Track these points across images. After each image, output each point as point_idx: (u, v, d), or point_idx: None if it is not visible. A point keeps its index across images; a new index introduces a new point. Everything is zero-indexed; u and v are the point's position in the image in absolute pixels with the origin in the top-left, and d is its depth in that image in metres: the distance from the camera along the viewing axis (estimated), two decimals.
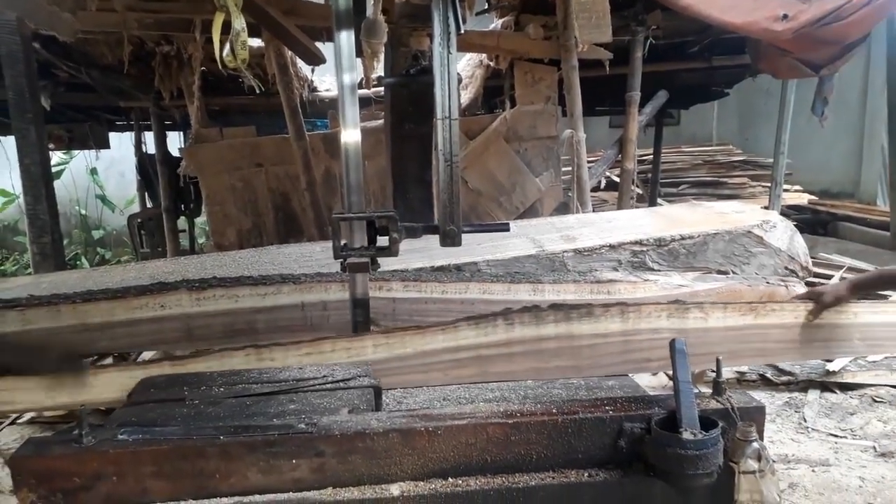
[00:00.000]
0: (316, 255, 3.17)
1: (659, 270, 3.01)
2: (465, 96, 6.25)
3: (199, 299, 2.57)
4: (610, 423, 1.55)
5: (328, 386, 1.83)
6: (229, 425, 1.52)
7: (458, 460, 1.51)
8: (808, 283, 3.30)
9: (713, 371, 1.67)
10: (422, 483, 1.50)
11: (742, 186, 9.29)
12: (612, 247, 3.03)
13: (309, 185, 5.07)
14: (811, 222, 8.98)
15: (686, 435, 1.47)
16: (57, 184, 4.58)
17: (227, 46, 2.03)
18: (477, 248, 3.11)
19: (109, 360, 4.18)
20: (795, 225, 3.35)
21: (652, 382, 4.69)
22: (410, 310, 2.72)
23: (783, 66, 4.20)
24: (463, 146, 5.14)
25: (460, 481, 1.50)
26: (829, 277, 6.79)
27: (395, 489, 1.47)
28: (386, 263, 2.36)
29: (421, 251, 3.03)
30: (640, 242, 3.04)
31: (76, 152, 10.43)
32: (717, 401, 1.61)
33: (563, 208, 5.28)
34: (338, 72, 2.07)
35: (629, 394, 1.94)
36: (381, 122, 4.71)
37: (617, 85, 5.28)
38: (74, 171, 11.08)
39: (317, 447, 1.46)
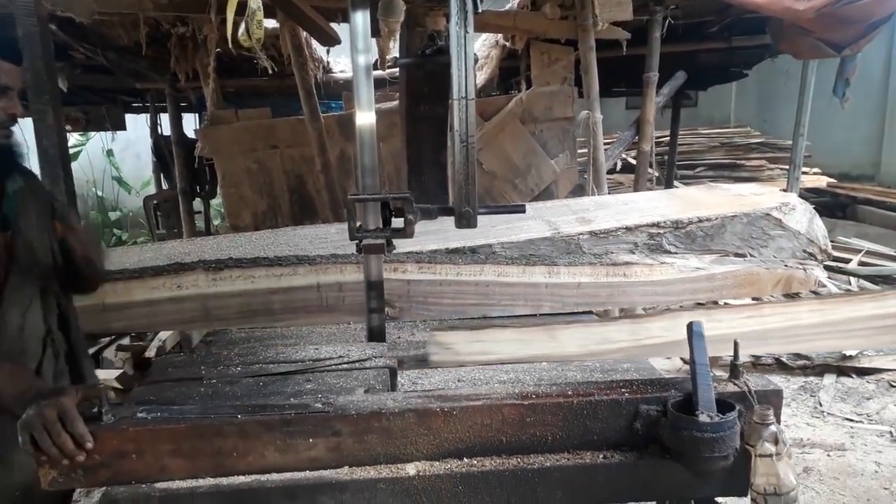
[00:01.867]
0: (331, 237, 3.18)
1: (676, 253, 2.99)
2: (481, 77, 6.22)
3: (215, 280, 2.58)
4: (626, 405, 1.55)
5: (344, 366, 1.85)
6: (247, 404, 1.53)
7: (473, 441, 1.52)
8: (826, 267, 3.27)
9: (729, 356, 1.66)
10: (437, 463, 1.50)
11: (760, 169, 9.20)
12: (628, 229, 3.01)
13: (324, 167, 5.07)
14: (830, 205, 8.88)
15: (703, 417, 1.47)
16: (74, 165, 4.61)
17: (242, 26, 2.02)
18: (492, 230, 3.10)
19: (126, 341, 4.25)
20: (814, 208, 3.31)
21: (666, 366, 4.70)
22: (425, 291, 2.72)
23: (804, 47, 4.13)
24: (478, 128, 5.11)
25: (475, 461, 1.51)
26: (847, 261, 6.74)
27: (410, 469, 1.48)
28: (401, 245, 2.36)
29: (436, 233, 3.03)
30: (656, 225, 3.02)
31: (92, 134, 10.51)
32: (734, 384, 1.61)
33: (579, 190, 5.26)
34: (353, 52, 2.06)
35: (645, 376, 1.93)
36: (395, 103, 4.69)
37: (634, 66, 5.22)
38: (91, 152, 11.16)
39: (333, 426, 1.47)
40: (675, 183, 7.84)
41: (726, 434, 1.46)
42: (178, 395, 1.72)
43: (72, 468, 1.41)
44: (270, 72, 4.20)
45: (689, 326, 1.61)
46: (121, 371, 3.99)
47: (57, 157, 2.93)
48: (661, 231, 3.02)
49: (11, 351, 1.70)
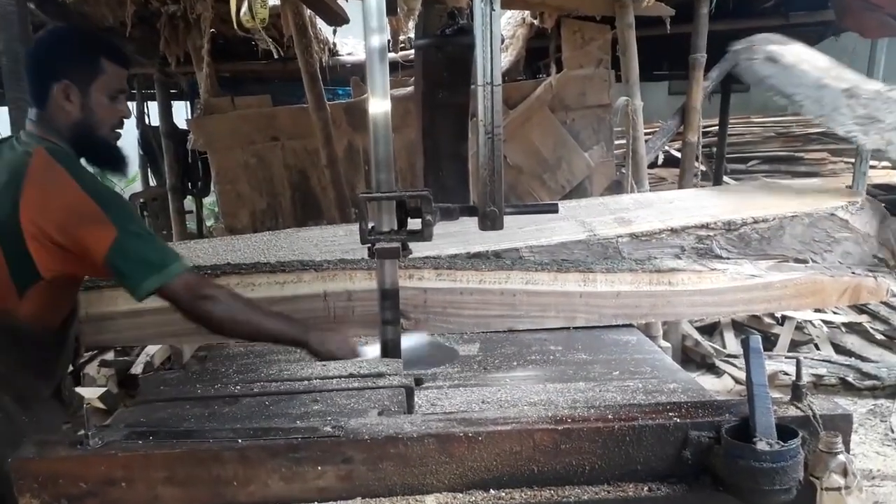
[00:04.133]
0: (339, 240, 3.20)
1: (728, 258, 2.97)
2: (505, 59, 6.21)
3: None
4: (674, 430, 1.54)
5: (355, 385, 1.85)
6: (248, 427, 1.54)
7: (501, 470, 1.51)
8: None
9: (785, 373, 1.65)
10: (460, 495, 1.50)
11: (821, 162, 9.12)
12: (673, 231, 3.00)
13: (330, 161, 5.10)
14: None
15: (761, 445, 1.45)
16: None
17: (245, 5, 2.04)
18: (518, 232, 3.10)
19: (110, 356, 4.29)
20: (885, 207, 3.28)
21: (717, 386, 4.67)
22: (444, 301, 2.72)
23: (872, 24, 4.09)
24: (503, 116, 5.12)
25: (504, 493, 1.50)
26: None
27: (430, 501, 1.48)
28: (417, 249, 2.36)
29: (455, 236, 3.04)
30: (706, 226, 3.01)
31: None
32: (797, 407, 1.59)
33: (616, 187, 5.24)
34: (366, 32, 2.07)
35: (695, 398, 1.92)
36: (409, 89, 4.71)
37: (679, 46, 5.20)
38: None
39: (344, 453, 1.47)
40: (726, 179, 7.79)
41: (788, 464, 1.44)
42: (171, 416, 1.73)
43: (56, 497, 1.43)
44: (272, 55, 4.23)
45: (746, 341, 1.60)
46: (104, 389, 4.03)
47: None
48: (711, 233, 3.01)
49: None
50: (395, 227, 2.08)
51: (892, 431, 4.19)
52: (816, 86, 3.87)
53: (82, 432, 1.47)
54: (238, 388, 1.89)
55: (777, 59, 4.22)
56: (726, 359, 5.05)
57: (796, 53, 4.25)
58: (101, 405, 3.89)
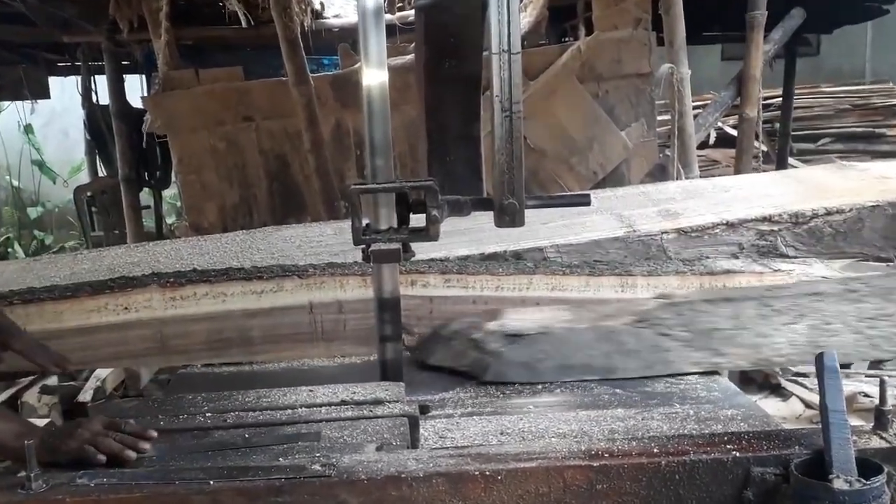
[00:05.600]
0: (326, 240, 3.20)
1: (795, 257, 2.97)
2: (524, 21, 6.20)
3: (174, 299, 2.61)
4: (733, 466, 1.54)
5: (349, 413, 1.86)
6: (221, 466, 1.55)
7: None
8: None
9: (866, 395, 1.65)
10: None
11: None
12: (729, 225, 3.00)
13: (314, 145, 5.10)
14: None
15: (838, 483, 1.45)
16: None
17: None
18: (542, 228, 3.10)
19: (54, 381, 4.30)
20: None
21: (783, 411, 4.65)
22: (453, 312, 2.73)
23: None
24: (522, 90, 5.11)
25: None
26: None
27: None
28: (421, 250, 2.37)
29: (467, 234, 3.04)
30: (768, 219, 3.01)
31: (5, 104, 10.68)
32: (881, 437, 1.59)
33: (660, 172, 5.22)
34: None
35: (757, 427, 1.92)
36: (410, 58, 4.71)
37: (733, 2, 5.19)
38: (4, 128, 11.34)
39: (337, 496, 1.48)
40: (792, 161, 7.76)
41: None
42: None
43: None
44: (243, 20, 4.24)
45: (819, 357, 1.60)
46: (47, 421, 4.05)
47: None
48: (775, 228, 3.01)
49: None
50: (395, 225, 2.09)
51: None
52: None
53: (23, 474, 1.48)
54: (208, 418, 1.90)
55: None
56: (794, 378, 5.02)
57: None
58: None
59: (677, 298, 2.62)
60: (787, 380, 5.05)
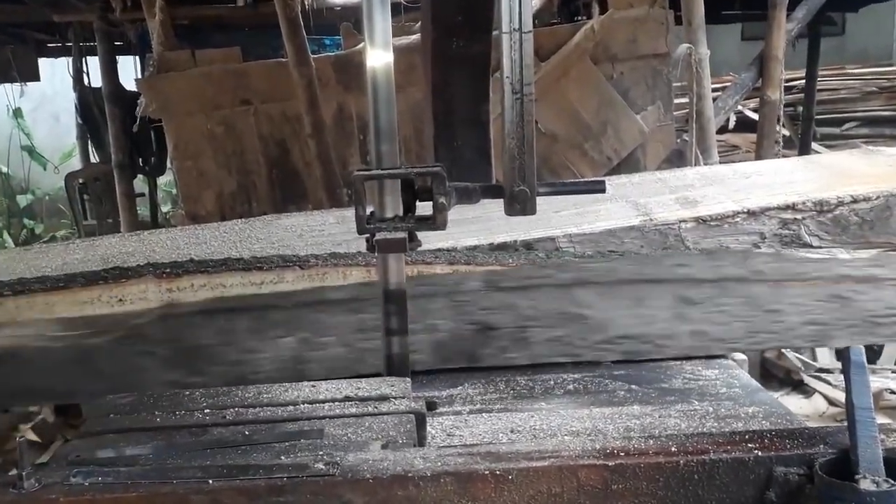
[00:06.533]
0: (328, 229, 3.20)
1: (819, 247, 2.96)
2: None
3: (171, 290, 2.61)
4: (754, 466, 1.53)
5: (353, 410, 1.86)
6: (221, 465, 1.55)
7: None
8: None
9: (892, 392, 1.65)
10: None
11: None
12: (750, 213, 2.98)
13: (315, 130, 5.10)
14: None
15: (865, 484, 1.45)
16: None
17: None
18: (554, 216, 3.10)
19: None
20: None
21: (805, 409, 4.65)
22: None
23: None
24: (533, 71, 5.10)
25: None
26: None
27: None
28: (427, 239, 2.37)
29: (475, 222, 3.03)
30: (791, 207, 2.99)
31: None
32: None
33: (677, 158, 5.22)
34: None
35: (780, 425, 1.92)
36: (415, 38, 4.70)
37: None
38: None
39: (341, 496, 1.48)
40: (815, 146, 7.74)
41: None
42: (123, 450, 1.74)
43: None
44: None
45: (845, 352, 1.59)
46: (38, 417, 4.06)
47: None
48: (799, 216, 2.99)
49: None
50: (401, 213, 2.08)
51: None
52: None
53: (15, 472, 1.49)
54: (207, 415, 1.90)
55: None
56: (817, 374, 5.02)
57: None
58: (35, 437, 3.91)
59: None
60: (810, 376, 5.05)
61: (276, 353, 2.52)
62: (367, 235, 2.08)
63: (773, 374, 5.13)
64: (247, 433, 1.78)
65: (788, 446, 1.58)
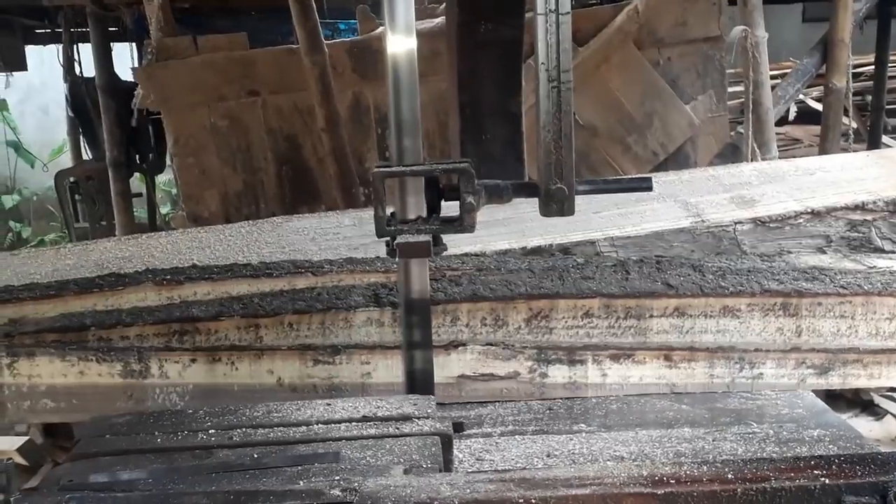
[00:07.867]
0: (344, 231, 3.21)
1: (893, 252, 2.94)
2: None
3: (171, 298, 2.63)
4: (821, 495, 1.53)
5: (372, 431, 1.86)
6: (226, 491, 1.56)
7: None
8: None
9: None
10: None
11: None
12: (814, 214, 2.98)
13: (329, 123, 5.12)
14: None
15: None
16: None
17: None
18: (594, 217, 3.10)
19: None
20: None
21: (876, 432, 4.60)
22: None
23: None
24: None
25: None
26: None
27: None
28: (454, 243, 2.37)
29: (506, 223, 3.04)
30: (861, 207, 2.99)
31: None
32: None
33: (732, 153, 5.19)
34: None
35: (849, 449, 1.90)
36: (439, 21, 4.71)
37: None
38: None
39: None
40: (886, 139, 7.67)
41: None
42: (120, 475, 1.76)
43: None
44: None
45: None
46: (25, 439, 4.09)
47: None
48: (869, 217, 2.98)
49: None
50: (424, 214, 2.09)
51: None
52: None
53: (2, 497, 1.50)
54: (212, 436, 1.91)
55: None
56: (888, 394, 4.99)
57: None
58: (22, 460, 3.94)
59: None
60: (882, 396, 5.00)
61: None
62: (388, 239, 2.08)
63: (841, 393, 5.09)
64: (255, 456, 1.79)
65: (859, 473, 1.56)
